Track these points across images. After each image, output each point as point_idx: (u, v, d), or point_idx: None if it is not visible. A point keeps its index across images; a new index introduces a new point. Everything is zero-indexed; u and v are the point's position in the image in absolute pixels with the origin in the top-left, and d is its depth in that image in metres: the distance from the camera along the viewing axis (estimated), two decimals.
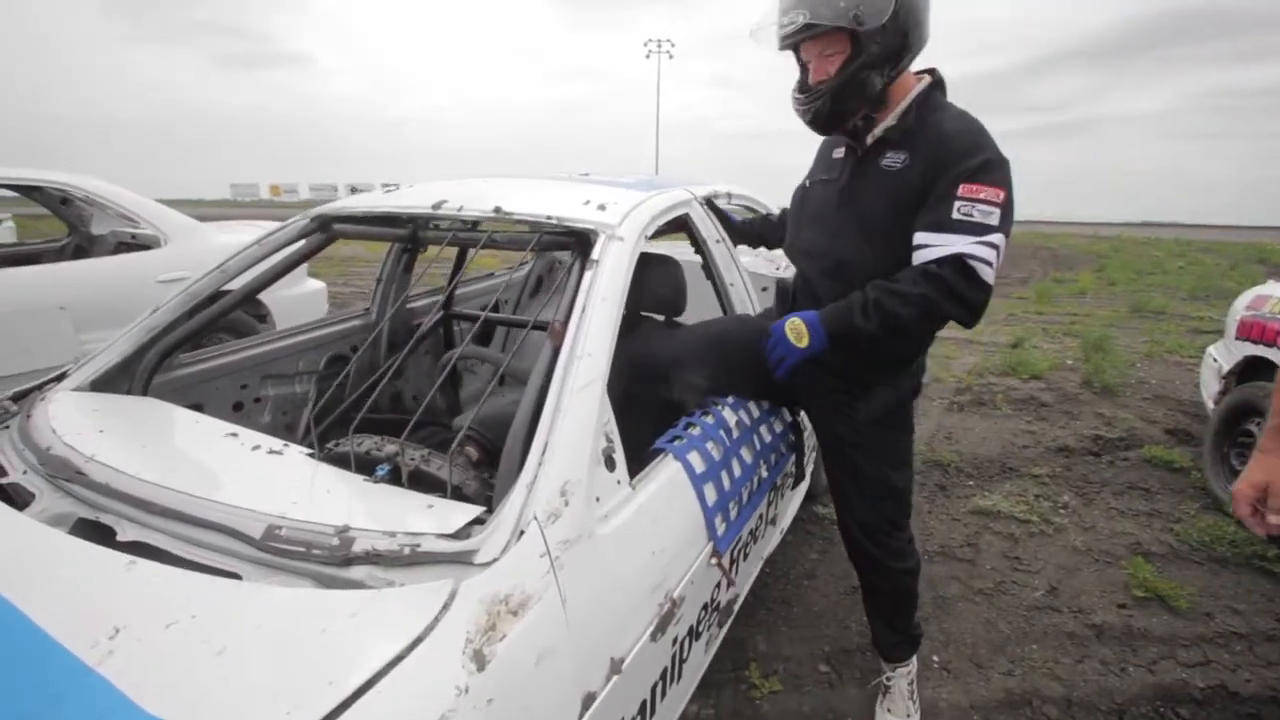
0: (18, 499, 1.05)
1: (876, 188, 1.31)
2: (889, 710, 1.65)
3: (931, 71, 1.36)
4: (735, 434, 1.36)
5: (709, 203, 1.76)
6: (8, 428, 1.28)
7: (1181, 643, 1.98)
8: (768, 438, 1.50)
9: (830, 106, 1.29)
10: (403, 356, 1.37)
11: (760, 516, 1.52)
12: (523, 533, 0.83)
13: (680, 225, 1.62)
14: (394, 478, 1.04)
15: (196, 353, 1.81)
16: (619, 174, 1.90)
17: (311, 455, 1.12)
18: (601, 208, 1.28)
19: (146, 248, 3.58)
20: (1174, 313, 7.59)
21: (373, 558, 0.80)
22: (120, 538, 0.89)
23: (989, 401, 4.14)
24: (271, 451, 1.14)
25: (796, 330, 1.18)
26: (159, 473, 0.99)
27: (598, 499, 0.94)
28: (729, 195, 1.78)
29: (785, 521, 1.80)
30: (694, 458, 1.20)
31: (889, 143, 1.31)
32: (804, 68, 1.35)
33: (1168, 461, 3.20)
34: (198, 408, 1.80)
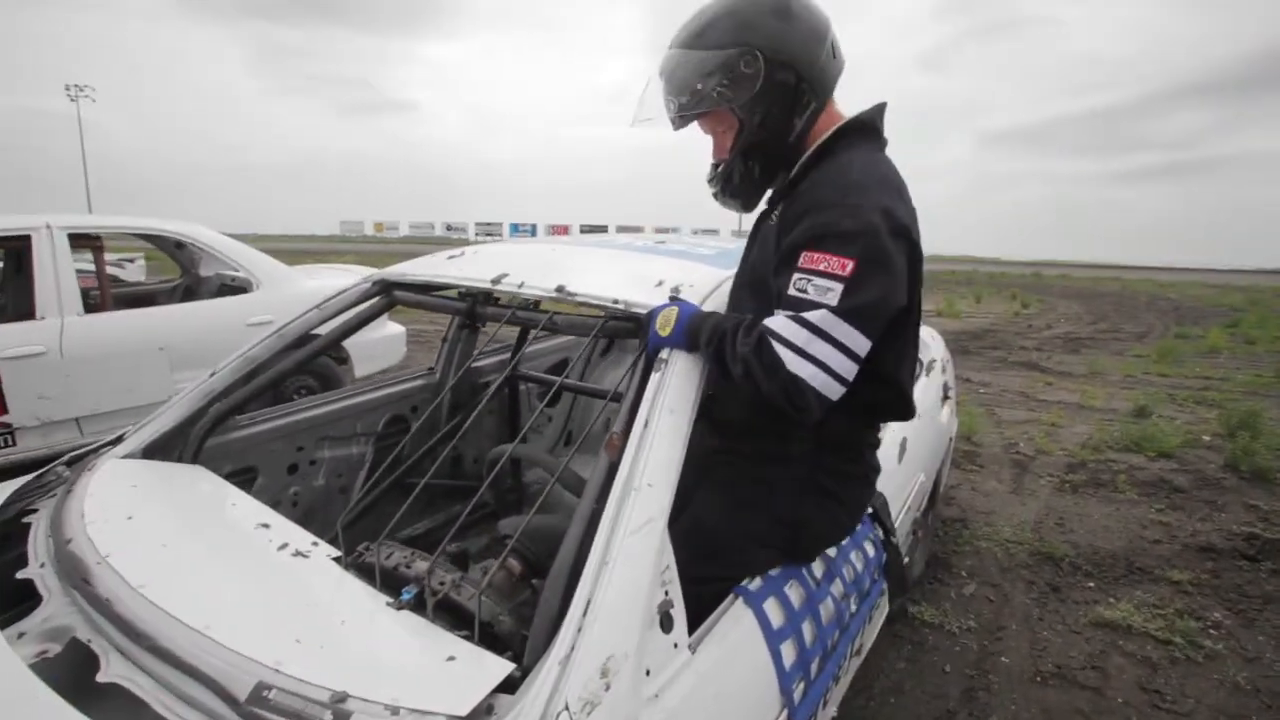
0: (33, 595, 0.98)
1: (760, 253, 1.11)
2: None
3: (874, 111, 1.11)
4: (821, 568, 1.14)
5: None
6: (54, 496, 1.24)
7: None
8: (859, 565, 1.25)
9: (735, 183, 1.12)
10: (452, 421, 1.25)
11: (845, 656, 1.27)
12: None
13: None
14: (420, 602, 0.90)
15: (254, 414, 1.78)
16: (699, 241, 1.75)
17: (338, 561, 1.03)
18: (675, 292, 1.12)
19: (242, 290, 3.76)
20: None
21: None
22: (100, 678, 0.78)
23: (1109, 483, 3.64)
24: (297, 553, 1.06)
25: (666, 319, 1.03)
26: (165, 589, 0.90)
27: (648, 672, 0.76)
28: None
29: (869, 643, 1.54)
30: (771, 607, 0.98)
31: (776, 198, 1.14)
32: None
33: None
34: (252, 470, 1.77)
